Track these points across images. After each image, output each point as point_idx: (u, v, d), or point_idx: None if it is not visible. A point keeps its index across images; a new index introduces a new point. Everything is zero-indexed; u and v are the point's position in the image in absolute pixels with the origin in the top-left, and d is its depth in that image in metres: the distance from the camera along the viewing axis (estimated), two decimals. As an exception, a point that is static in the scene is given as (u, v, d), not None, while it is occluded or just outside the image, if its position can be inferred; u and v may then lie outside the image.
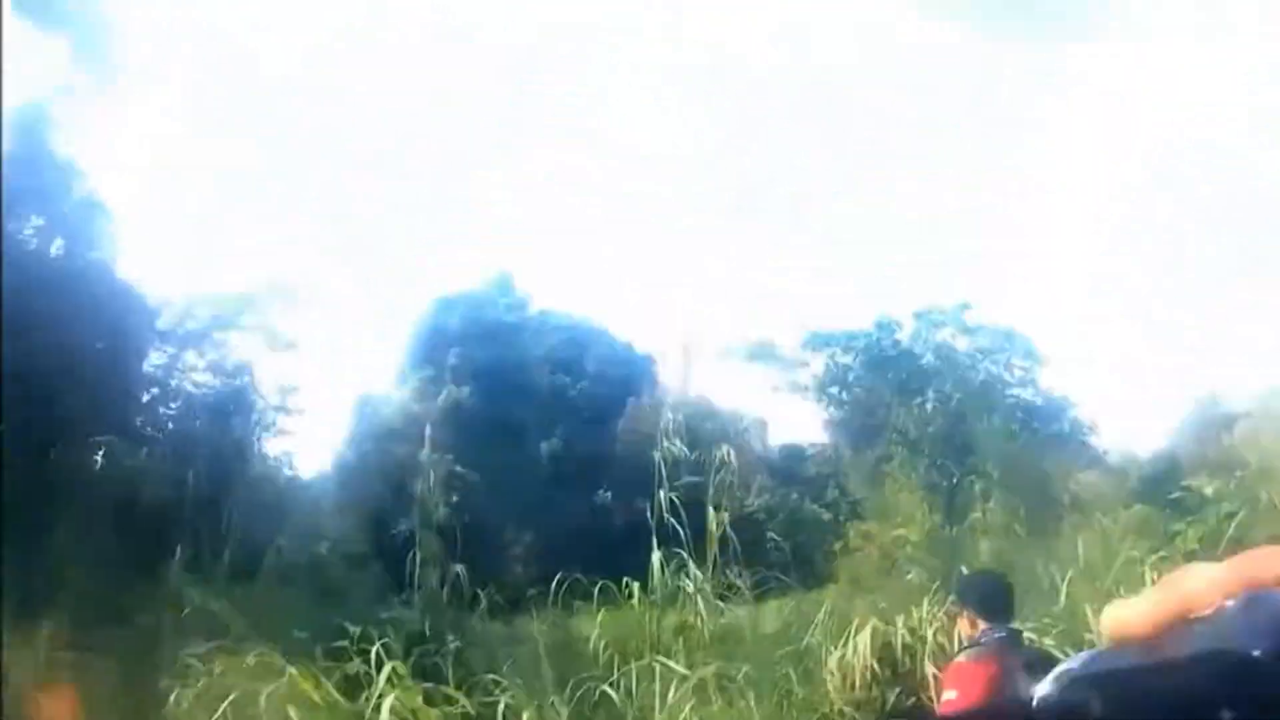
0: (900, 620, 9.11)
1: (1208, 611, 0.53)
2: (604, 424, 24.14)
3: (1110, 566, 9.21)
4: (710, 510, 12.08)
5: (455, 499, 22.88)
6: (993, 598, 4.64)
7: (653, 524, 11.42)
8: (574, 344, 25.68)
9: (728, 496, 13.64)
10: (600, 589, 10.74)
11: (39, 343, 13.26)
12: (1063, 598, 8.84)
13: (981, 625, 4.45)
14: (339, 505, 20.97)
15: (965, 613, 4.60)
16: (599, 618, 10.28)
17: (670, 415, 20.00)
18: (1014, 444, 16.13)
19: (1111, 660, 0.56)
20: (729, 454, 13.63)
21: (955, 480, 15.64)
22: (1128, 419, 28.76)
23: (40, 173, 15.06)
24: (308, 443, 19.49)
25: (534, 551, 20.81)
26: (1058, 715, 0.57)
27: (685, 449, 12.50)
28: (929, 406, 19.00)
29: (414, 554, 11.77)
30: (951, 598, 4.92)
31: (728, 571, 11.16)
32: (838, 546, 16.38)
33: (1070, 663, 0.59)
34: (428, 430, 17.30)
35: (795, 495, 21.56)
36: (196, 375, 17.19)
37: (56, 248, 15.38)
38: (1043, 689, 0.59)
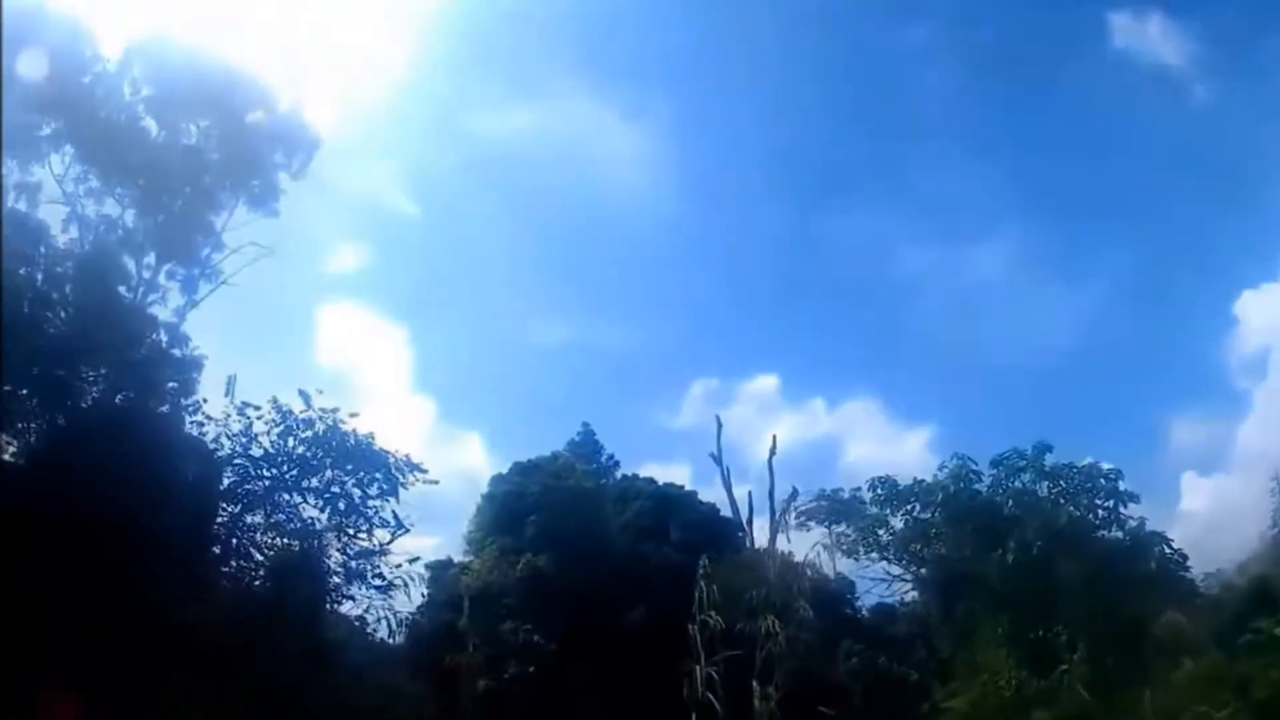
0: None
1: None
2: (688, 590, 23.45)
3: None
4: (755, 685, 11.56)
5: (531, 669, 22.41)
6: None
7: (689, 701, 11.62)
8: (658, 510, 25.19)
9: (781, 668, 12.83)
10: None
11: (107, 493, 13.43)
12: None
13: None
14: (410, 671, 20.52)
15: None
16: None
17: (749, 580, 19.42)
18: (1098, 590, 15.06)
19: None
20: (774, 624, 12.98)
21: (1041, 632, 14.61)
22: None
23: (111, 323, 15.42)
24: (383, 608, 19.07)
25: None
26: None
27: (721, 620, 12.02)
28: (1010, 557, 17.97)
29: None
30: None
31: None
32: (926, 708, 15.34)
33: None
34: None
35: (883, 658, 20.40)
36: (261, 536, 17.08)
37: (123, 398, 15.64)
38: None
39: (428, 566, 23.86)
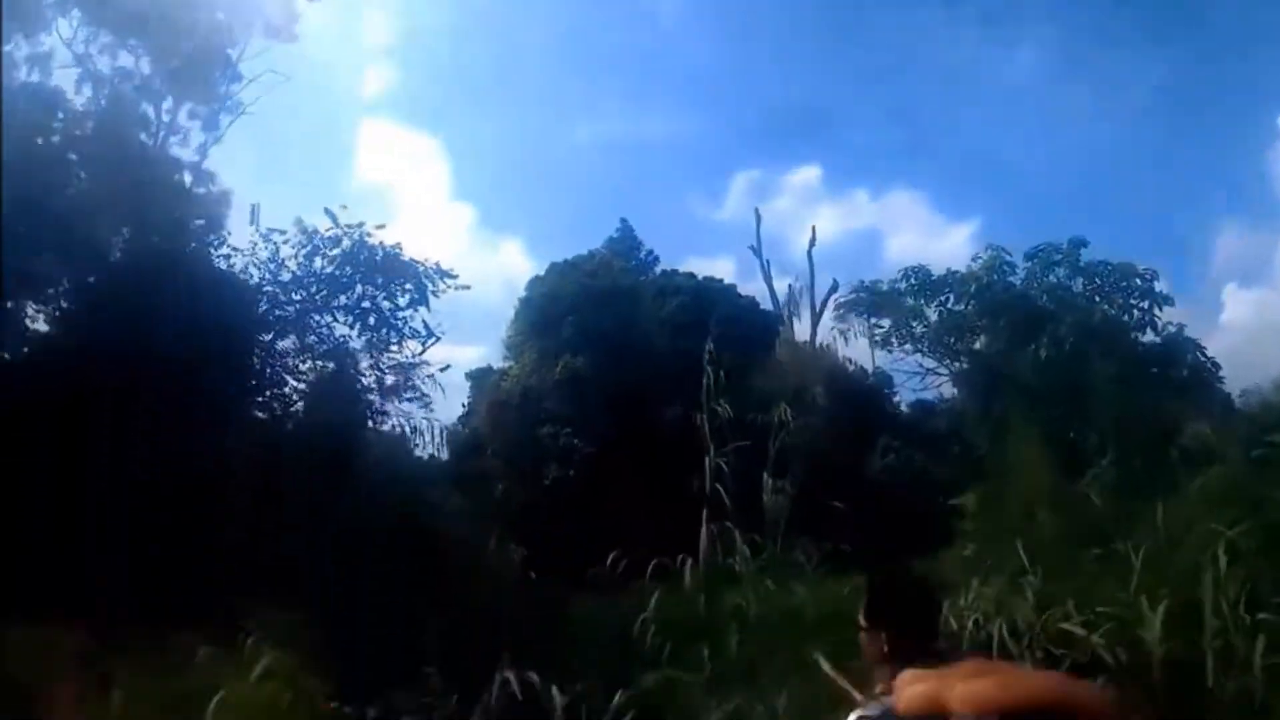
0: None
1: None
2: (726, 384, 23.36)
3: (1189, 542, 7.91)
4: (767, 479, 11.27)
5: (572, 473, 22.72)
6: (919, 611, 3.18)
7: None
8: (697, 305, 24.80)
9: (798, 461, 12.64)
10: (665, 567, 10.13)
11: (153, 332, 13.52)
12: (1134, 582, 7.55)
13: (899, 656, 2.97)
14: (453, 482, 20.85)
15: (883, 635, 3.08)
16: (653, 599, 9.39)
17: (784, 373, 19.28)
18: (1129, 393, 14.62)
19: None
20: (786, 413, 12.64)
21: (1071, 434, 14.28)
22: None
23: (133, 173, 15.23)
24: (423, 421, 19.26)
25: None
26: None
27: (728, 410, 11.66)
28: (1042, 353, 17.51)
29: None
30: (860, 611, 3.24)
31: (794, 546, 10.39)
32: (957, 507, 15.22)
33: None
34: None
35: (920, 455, 20.29)
36: (294, 361, 17.15)
37: (150, 245, 15.54)
38: None
39: (467, 375, 24.14)
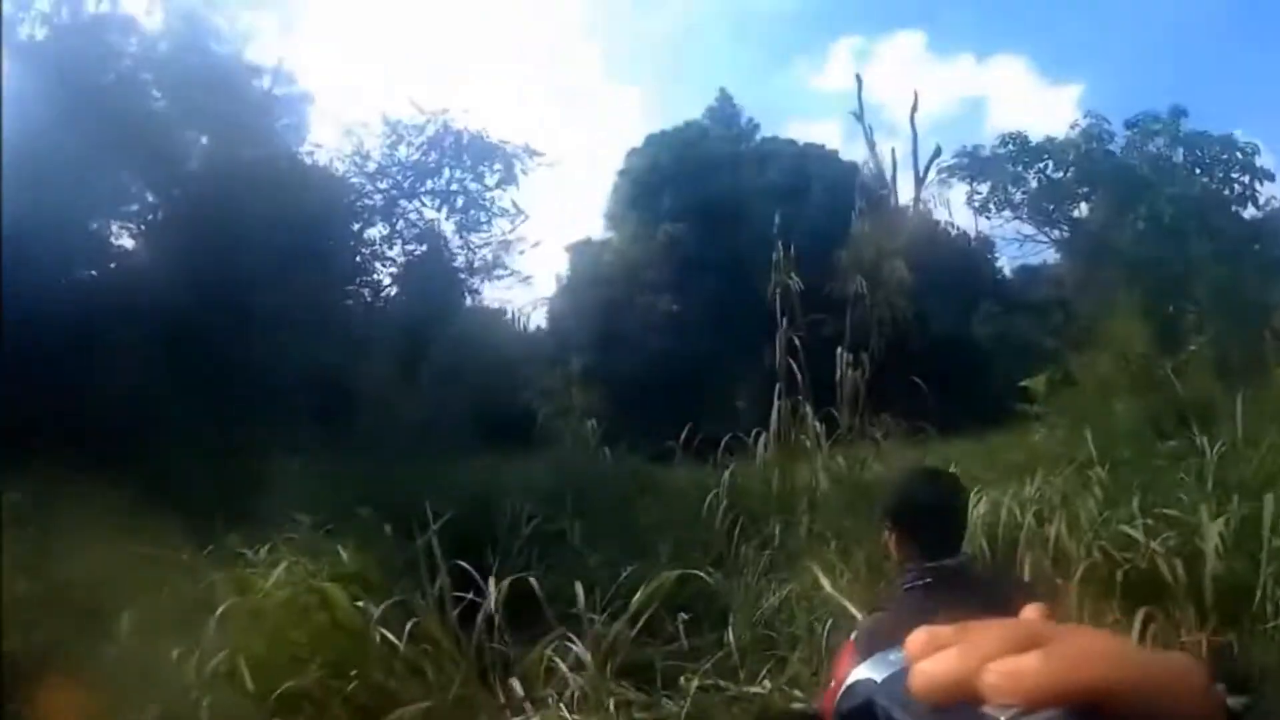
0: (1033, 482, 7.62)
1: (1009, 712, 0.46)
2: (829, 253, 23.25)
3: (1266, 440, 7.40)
4: (841, 353, 10.88)
5: (671, 343, 22.99)
6: (932, 517, 2.87)
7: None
8: (797, 171, 24.53)
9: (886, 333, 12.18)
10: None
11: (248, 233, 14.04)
12: (1207, 483, 6.88)
13: (910, 563, 2.82)
14: (553, 355, 21.40)
15: (893, 535, 2.92)
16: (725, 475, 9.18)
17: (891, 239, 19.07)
18: (1228, 269, 14.17)
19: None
20: (862, 285, 12.26)
21: (1171, 308, 13.98)
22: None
23: (211, 84, 15.46)
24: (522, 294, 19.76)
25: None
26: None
27: (799, 282, 11.13)
28: (1140, 224, 17.02)
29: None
30: (877, 510, 3.14)
31: (872, 423, 10.14)
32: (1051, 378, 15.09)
33: (877, 666, 0.55)
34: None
35: (1021, 322, 20.09)
36: (386, 249, 17.62)
37: (234, 152, 15.88)
38: (854, 679, 0.56)
39: (567, 249, 24.47)
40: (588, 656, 5.79)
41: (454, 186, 17.31)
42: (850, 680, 0.54)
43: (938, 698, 0.48)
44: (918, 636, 0.51)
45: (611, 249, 23.78)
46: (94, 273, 15.51)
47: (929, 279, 21.10)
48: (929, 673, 0.49)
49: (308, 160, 16.97)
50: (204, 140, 16.20)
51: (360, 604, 5.91)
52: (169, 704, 5.13)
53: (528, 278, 18.57)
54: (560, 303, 22.97)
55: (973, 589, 2.70)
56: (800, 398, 10.00)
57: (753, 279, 22.44)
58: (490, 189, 17.54)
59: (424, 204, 17.46)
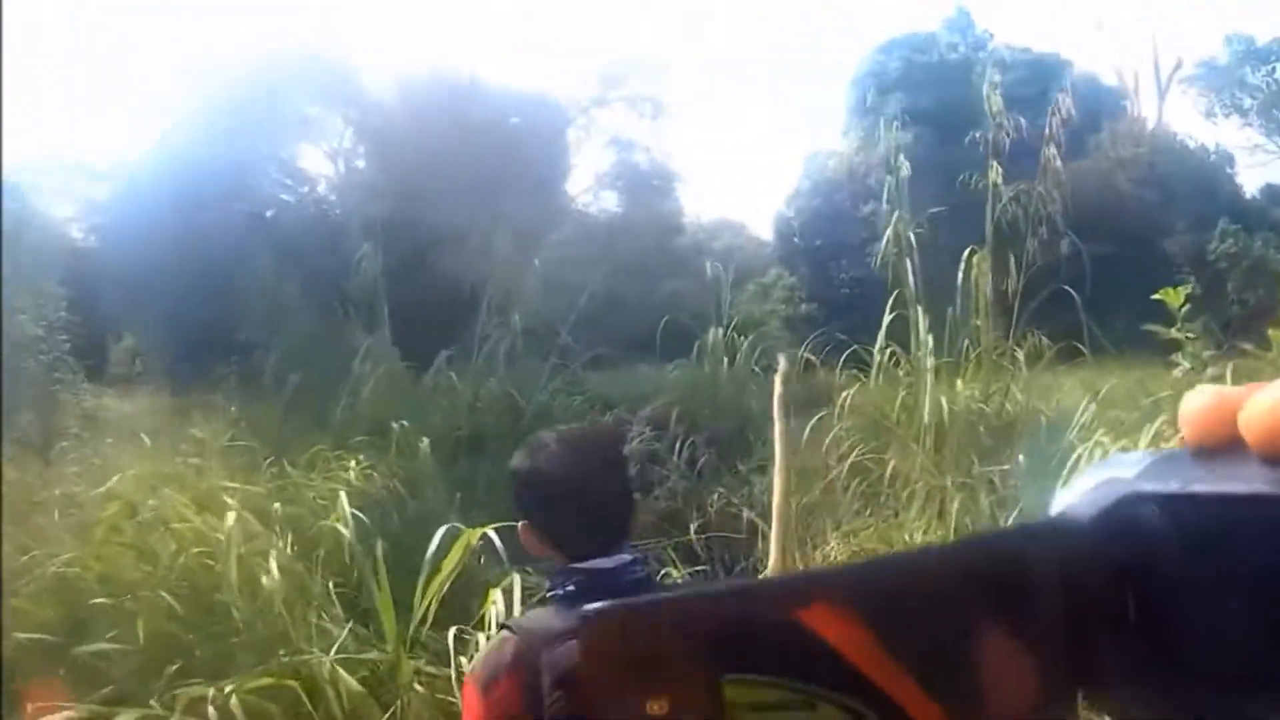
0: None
1: None
2: (1066, 163, 22.74)
3: None
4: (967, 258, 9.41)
5: (895, 250, 23.00)
6: (571, 501, 2.10)
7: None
8: (1032, 80, 23.97)
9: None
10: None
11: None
12: None
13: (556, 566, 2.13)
14: (781, 258, 22.06)
15: (525, 527, 2.16)
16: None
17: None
18: None
19: (1200, 472, 0.35)
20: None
21: None
22: None
23: None
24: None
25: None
26: (1088, 542, 0.37)
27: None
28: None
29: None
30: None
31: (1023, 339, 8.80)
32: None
33: (1113, 466, 0.39)
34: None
35: (1260, 242, 19.28)
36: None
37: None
38: (1070, 498, 0.39)
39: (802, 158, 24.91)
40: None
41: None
42: (1068, 501, 0.38)
43: (1196, 437, 0.35)
44: (1195, 400, 0.36)
45: (838, 156, 24.06)
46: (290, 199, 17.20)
47: (1165, 192, 20.58)
48: (1187, 411, 0.36)
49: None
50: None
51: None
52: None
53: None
54: (787, 212, 23.55)
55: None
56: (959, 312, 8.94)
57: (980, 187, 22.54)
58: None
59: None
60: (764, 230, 23.67)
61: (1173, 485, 0.36)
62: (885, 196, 9.60)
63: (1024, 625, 0.36)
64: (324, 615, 5.40)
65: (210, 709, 4.13)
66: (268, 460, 8.20)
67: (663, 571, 6.13)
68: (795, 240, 22.68)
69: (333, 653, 4.81)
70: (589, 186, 19.13)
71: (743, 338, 10.97)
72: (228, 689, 4.28)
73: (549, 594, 2.12)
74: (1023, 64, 24.26)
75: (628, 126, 18.91)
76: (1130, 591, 0.37)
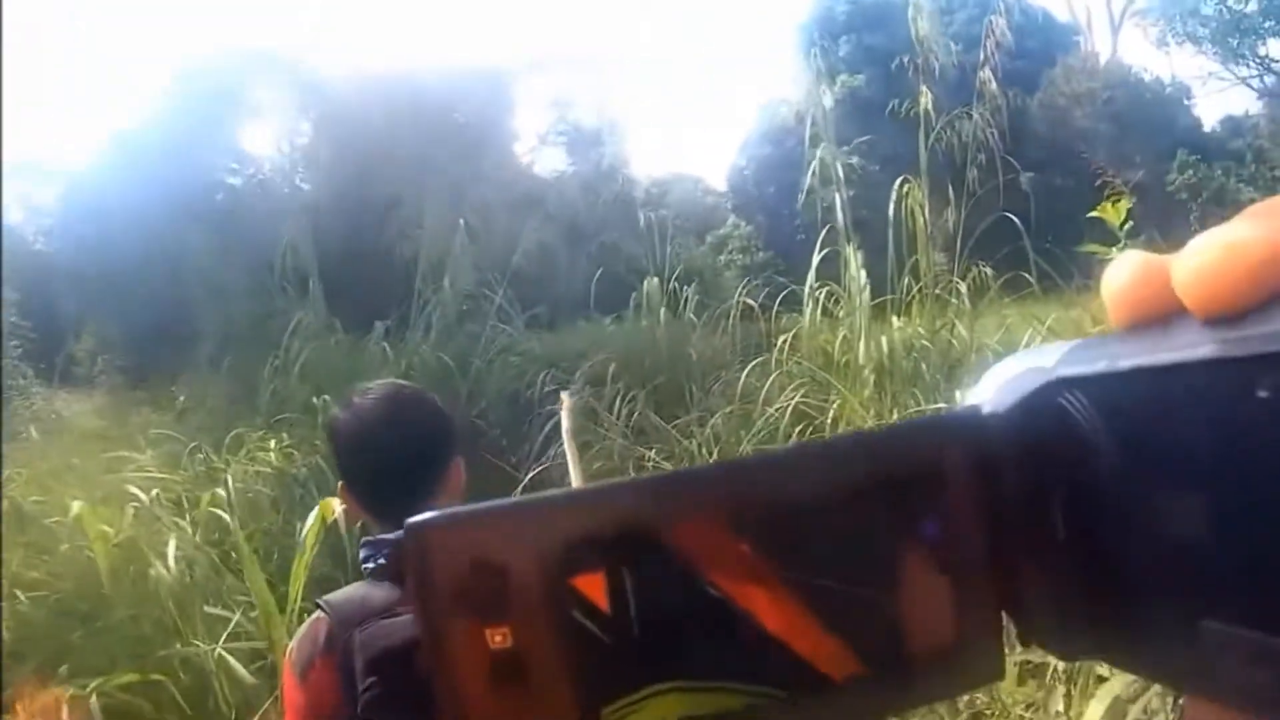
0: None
1: None
2: (1019, 105, 22.51)
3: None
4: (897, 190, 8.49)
5: (851, 194, 22.80)
6: (379, 463, 1.94)
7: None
8: (986, 18, 23.61)
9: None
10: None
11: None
12: None
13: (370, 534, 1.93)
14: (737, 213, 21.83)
15: (341, 489, 2.01)
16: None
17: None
18: None
19: (1130, 348, 0.30)
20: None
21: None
22: None
23: None
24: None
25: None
26: (1003, 436, 0.32)
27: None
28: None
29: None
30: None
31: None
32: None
33: (1032, 356, 0.34)
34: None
35: (1220, 172, 19.13)
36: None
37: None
38: (983, 391, 0.34)
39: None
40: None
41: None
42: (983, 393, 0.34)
43: (1122, 316, 0.30)
44: (1118, 272, 0.31)
45: (788, 104, 23.72)
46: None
47: (1121, 126, 20.39)
48: (1110, 283, 0.31)
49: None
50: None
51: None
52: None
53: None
54: (740, 162, 23.30)
55: None
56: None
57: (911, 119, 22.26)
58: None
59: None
60: (719, 182, 23.37)
61: (1099, 366, 0.30)
62: (808, 128, 8.95)
63: (934, 537, 0.32)
64: (228, 604, 5.10)
65: (63, 711, 3.80)
66: (191, 446, 7.94)
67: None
68: (750, 189, 22.40)
69: (220, 643, 4.50)
70: (533, 146, 18.82)
71: (686, 287, 10.58)
72: (90, 688, 3.96)
73: (363, 566, 1.87)
74: (975, 2, 23.96)
75: (571, 86, 18.58)
76: (1055, 493, 0.32)
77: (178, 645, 4.70)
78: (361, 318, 11.37)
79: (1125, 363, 0.29)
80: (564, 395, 4.69)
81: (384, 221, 14.59)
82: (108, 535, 5.04)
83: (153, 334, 14.37)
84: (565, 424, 4.41)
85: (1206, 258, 0.27)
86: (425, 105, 16.18)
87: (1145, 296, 0.29)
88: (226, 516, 5.41)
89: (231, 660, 4.49)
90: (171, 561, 5.06)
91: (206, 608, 4.95)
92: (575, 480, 3.73)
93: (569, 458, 4.00)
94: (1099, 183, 7.74)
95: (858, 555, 0.31)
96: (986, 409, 0.33)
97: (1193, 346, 0.27)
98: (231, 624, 4.73)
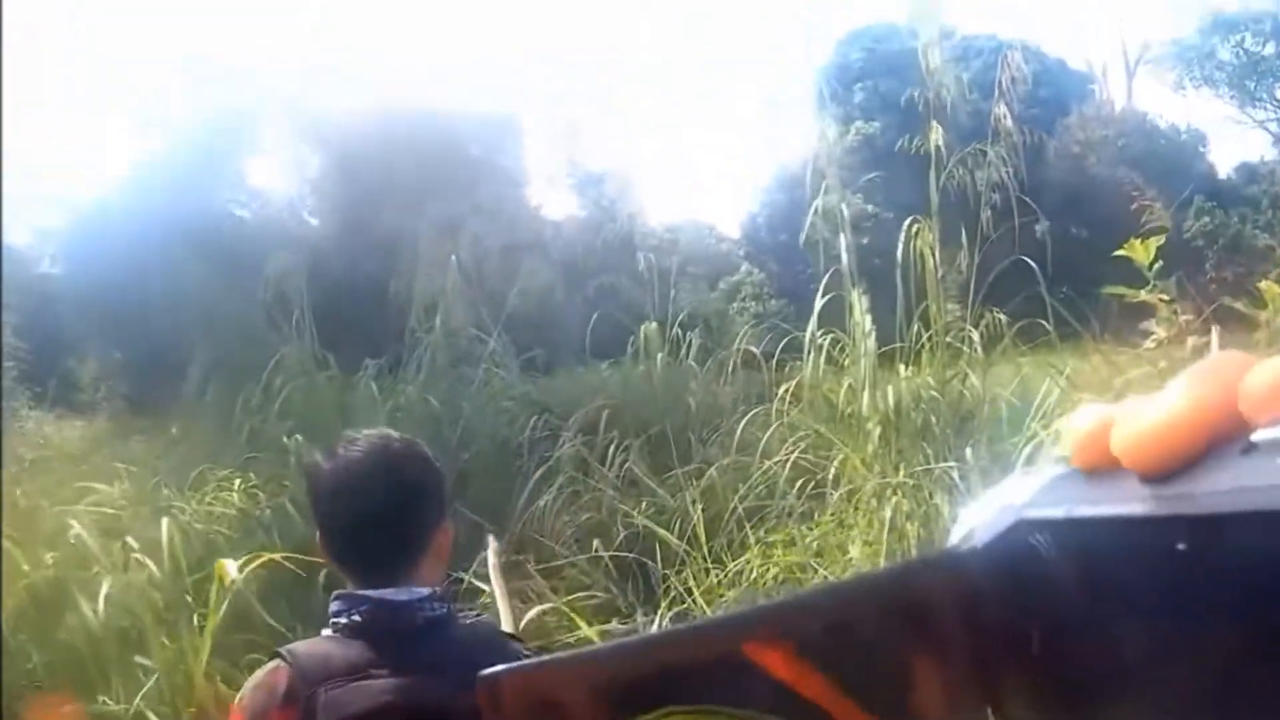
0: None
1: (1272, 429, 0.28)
2: (1035, 149, 22.29)
3: None
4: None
5: (865, 241, 22.56)
6: (355, 519, 1.87)
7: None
8: (997, 66, 23.45)
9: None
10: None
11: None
12: None
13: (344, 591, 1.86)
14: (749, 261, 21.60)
15: (321, 542, 1.93)
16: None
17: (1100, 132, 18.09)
18: None
19: (1085, 493, 0.33)
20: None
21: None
22: None
23: None
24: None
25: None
26: (980, 572, 0.35)
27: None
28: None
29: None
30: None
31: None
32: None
33: (1009, 490, 0.37)
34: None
35: (1237, 219, 18.81)
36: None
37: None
38: (968, 524, 0.37)
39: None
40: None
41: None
42: (968, 526, 0.37)
43: (1083, 462, 0.33)
44: (1077, 421, 0.34)
45: (798, 151, 23.54)
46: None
47: (1137, 173, 20.06)
48: (1073, 438, 0.34)
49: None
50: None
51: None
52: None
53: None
54: (754, 209, 23.10)
55: (433, 646, 1.77)
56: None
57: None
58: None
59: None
60: (733, 229, 23.18)
61: (1059, 511, 0.34)
62: (810, 167, 8.53)
63: (934, 651, 0.37)
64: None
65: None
66: (155, 482, 7.69)
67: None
68: (763, 237, 22.19)
69: (138, 700, 4.12)
70: (541, 189, 18.64)
71: (689, 332, 10.19)
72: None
73: (332, 620, 1.81)
74: (989, 50, 23.82)
75: (581, 128, 18.45)
76: (1027, 618, 0.36)
77: (96, 699, 4.35)
78: (357, 355, 11.08)
79: (1078, 511, 0.33)
80: (490, 539, 4.51)
81: (386, 257, 14.39)
82: (24, 574, 4.68)
83: (154, 362, 14.21)
84: (492, 561, 4.19)
85: (1140, 425, 0.31)
86: (434, 142, 16.04)
87: (1095, 450, 0.33)
88: (152, 565, 4.99)
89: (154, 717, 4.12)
90: (101, 605, 4.70)
91: (138, 657, 4.57)
92: (505, 617, 3.59)
93: (497, 597, 3.84)
94: (1135, 205, 7.37)
95: (876, 666, 0.35)
96: (967, 546, 0.37)
97: (1127, 501, 0.31)
98: (154, 678, 4.33)
